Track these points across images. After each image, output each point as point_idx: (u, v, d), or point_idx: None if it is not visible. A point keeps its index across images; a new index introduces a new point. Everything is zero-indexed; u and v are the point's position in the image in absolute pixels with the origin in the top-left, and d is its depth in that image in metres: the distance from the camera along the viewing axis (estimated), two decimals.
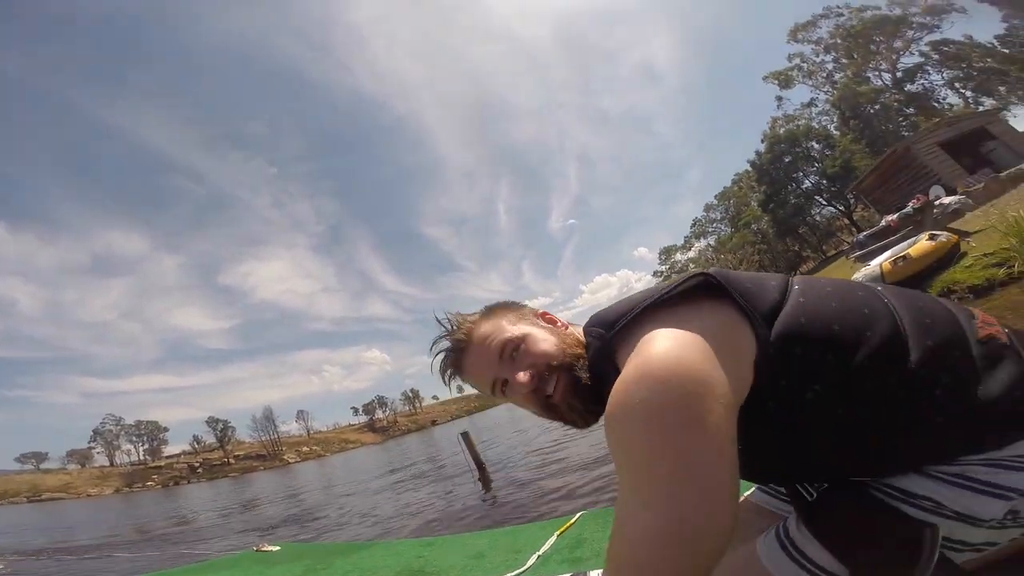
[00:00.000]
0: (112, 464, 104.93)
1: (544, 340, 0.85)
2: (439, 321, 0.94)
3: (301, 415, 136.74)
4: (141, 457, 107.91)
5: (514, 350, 0.85)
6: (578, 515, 2.15)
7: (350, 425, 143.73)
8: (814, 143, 33.40)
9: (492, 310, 0.93)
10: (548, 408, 0.85)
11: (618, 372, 0.67)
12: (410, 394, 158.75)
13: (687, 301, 0.71)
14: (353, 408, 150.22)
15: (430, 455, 19.82)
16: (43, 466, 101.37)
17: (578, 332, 0.90)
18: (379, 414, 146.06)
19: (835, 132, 32.78)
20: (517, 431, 18.90)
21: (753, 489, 0.99)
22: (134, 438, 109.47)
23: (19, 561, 6.45)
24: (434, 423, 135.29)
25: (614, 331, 0.75)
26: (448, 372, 0.93)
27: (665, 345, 0.64)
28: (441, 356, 0.93)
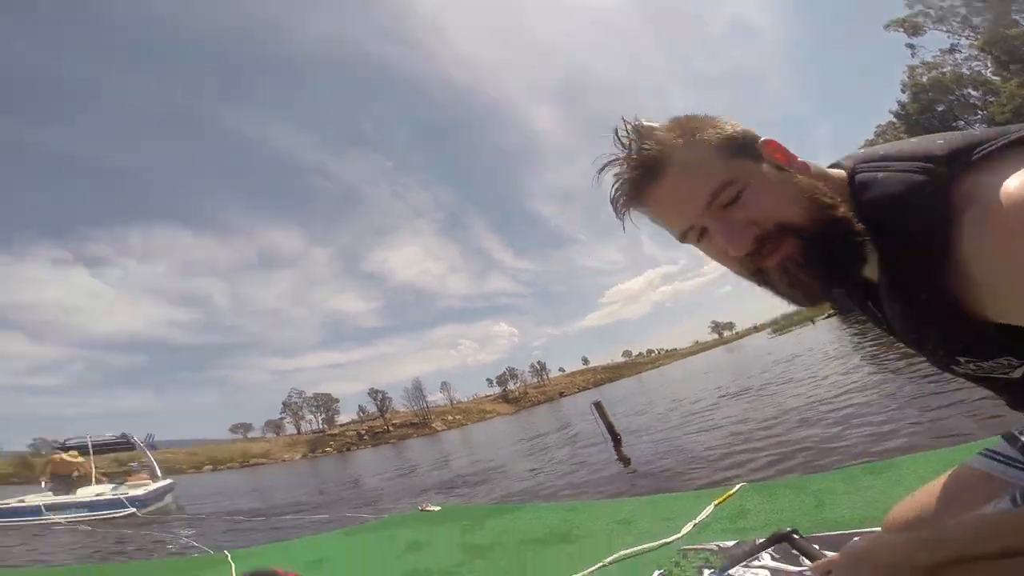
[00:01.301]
0: (299, 432, 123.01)
1: (775, 190, 0.60)
2: (618, 135, 0.64)
3: (444, 386, 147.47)
4: (320, 426, 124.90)
5: (732, 198, 0.60)
6: (739, 486, 2.00)
7: (486, 396, 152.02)
8: (970, 90, 31.50)
9: (693, 126, 0.63)
10: (756, 274, 0.63)
11: (945, 220, 0.51)
12: (537, 366, 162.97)
13: None
14: (488, 380, 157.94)
15: (562, 425, 20.19)
16: (249, 435, 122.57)
17: (824, 170, 0.64)
18: (511, 385, 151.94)
19: (993, 78, 30.25)
20: (648, 402, 18.43)
21: (975, 455, 0.83)
22: (314, 409, 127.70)
23: (241, 521, 7.98)
24: (561, 395, 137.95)
25: (963, 160, 0.54)
26: (625, 199, 0.65)
27: None
28: (619, 178, 0.65)
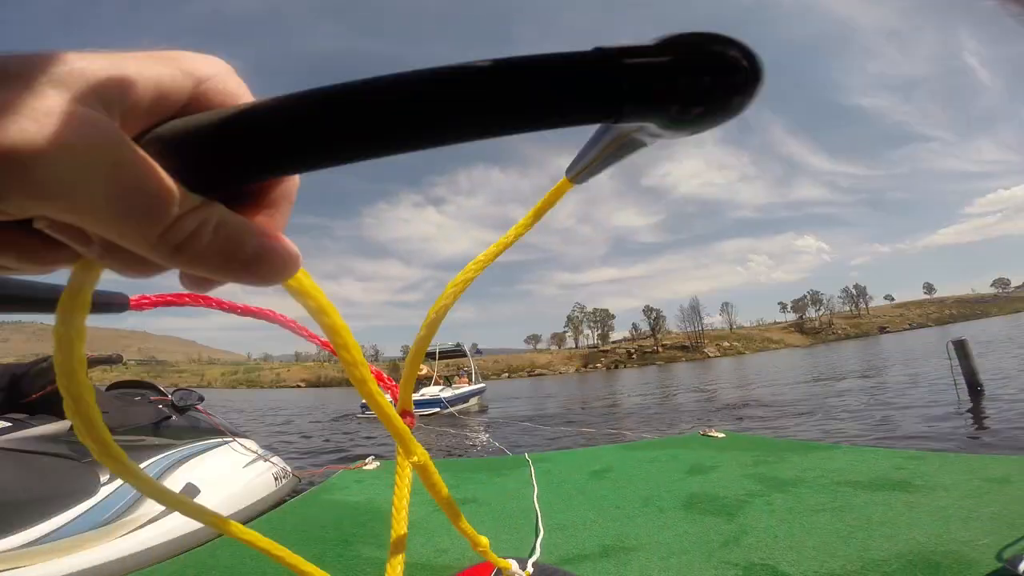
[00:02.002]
0: (576, 346, 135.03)
1: None
2: None
3: (725, 308, 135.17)
4: (595, 341, 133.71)
5: None
6: None
7: (775, 323, 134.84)
8: None
9: None
10: None
11: None
12: (854, 291, 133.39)
13: None
14: (780, 304, 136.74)
15: (879, 368, 16.63)
16: (538, 346, 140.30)
17: None
18: (811, 313, 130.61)
19: None
20: None
21: None
22: (591, 324, 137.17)
23: (529, 428, 9.25)
24: (883, 330, 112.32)
25: None
26: None
27: None
28: None
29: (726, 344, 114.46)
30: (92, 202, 0.15)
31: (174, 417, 2.73)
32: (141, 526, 2.00)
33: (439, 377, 17.13)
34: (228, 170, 0.16)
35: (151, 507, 2.08)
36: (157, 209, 0.16)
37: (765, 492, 1.97)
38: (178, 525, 2.12)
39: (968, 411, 6.14)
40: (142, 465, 2.19)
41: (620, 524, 1.79)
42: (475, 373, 18.95)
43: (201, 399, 3.14)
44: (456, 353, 20.04)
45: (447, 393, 14.48)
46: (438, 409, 13.11)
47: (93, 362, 2.16)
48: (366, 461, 3.38)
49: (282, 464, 3.46)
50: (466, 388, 16.27)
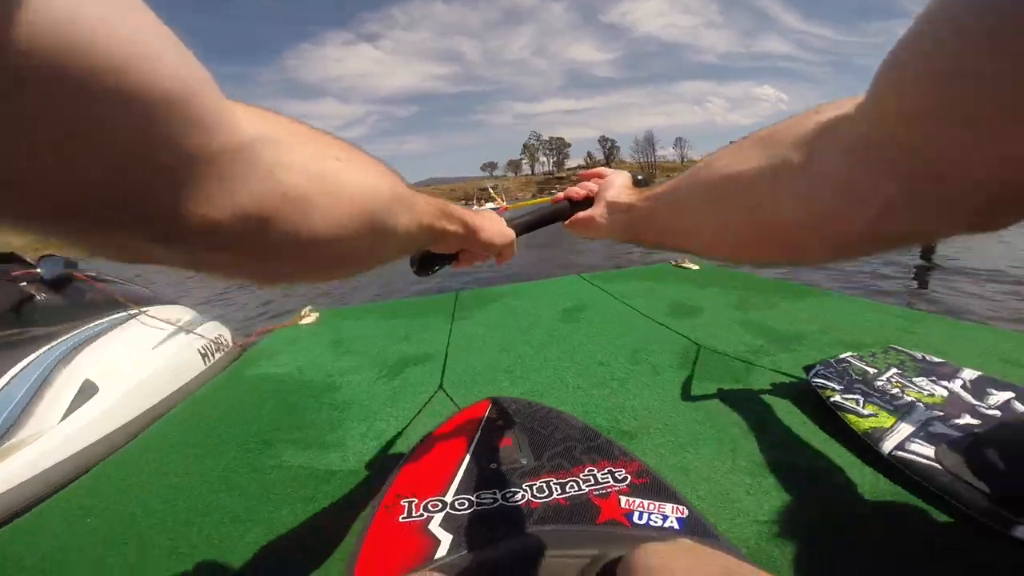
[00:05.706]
0: (532, 173, 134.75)
1: None
2: None
3: (679, 142, 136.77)
4: (550, 168, 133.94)
5: None
6: None
7: None
8: None
9: None
10: None
11: None
12: None
13: None
14: (732, 143, 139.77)
15: None
16: (494, 173, 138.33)
17: None
18: None
19: None
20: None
21: None
22: (547, 151, 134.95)
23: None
24: None
25: None
26: None
27: None
28: None
29: (676, 175, 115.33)
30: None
31: (41, 296, 2.00)
32: (28, 447, 1.46)
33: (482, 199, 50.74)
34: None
35: (41, 419, 1.57)
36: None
37: (769, 350, 1.69)
38: (68, 438, 1.58)
39: (917, 268, 6.14)
40: (18, 366, 1.60)
41: (611, 391, 1.48)
42: (503, 198, 43.17)
43: (74, 264, 2.30)
44: (485, 192, 60.41)
45: (491, 205, 34.17)
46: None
47: None
48: (302, 314, 2.86)
49: (216, 333, 2.72)
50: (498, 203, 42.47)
